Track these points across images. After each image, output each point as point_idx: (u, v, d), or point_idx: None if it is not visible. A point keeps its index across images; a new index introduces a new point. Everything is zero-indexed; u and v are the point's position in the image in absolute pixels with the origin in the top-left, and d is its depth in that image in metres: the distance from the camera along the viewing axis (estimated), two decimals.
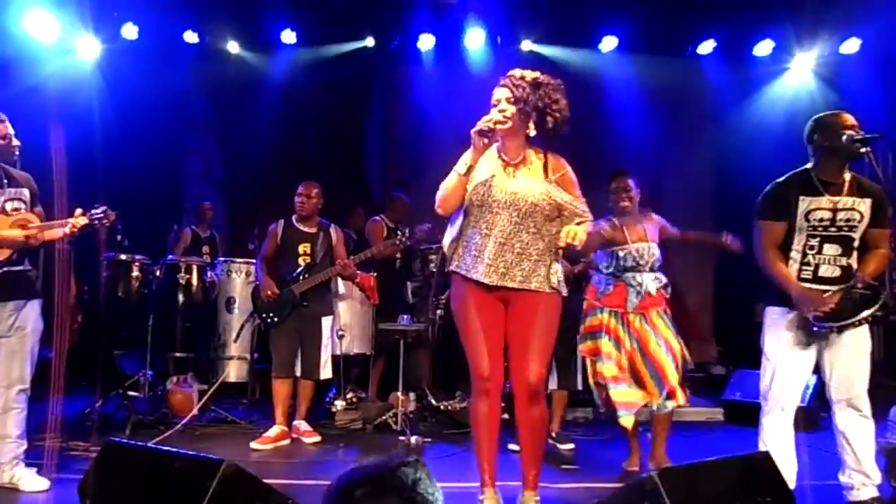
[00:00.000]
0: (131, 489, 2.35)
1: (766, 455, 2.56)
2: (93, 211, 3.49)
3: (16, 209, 3.45)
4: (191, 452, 2.38)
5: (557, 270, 3.03)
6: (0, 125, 3.43)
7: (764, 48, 7.02)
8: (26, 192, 3.52)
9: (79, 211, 3.48)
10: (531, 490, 3.05)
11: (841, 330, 2.94)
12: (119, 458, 2.47)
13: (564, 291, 3.07)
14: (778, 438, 3.08)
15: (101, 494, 2.39)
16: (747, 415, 5.17)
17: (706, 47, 7.10)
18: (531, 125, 2.99)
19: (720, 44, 7.07)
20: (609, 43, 7.09)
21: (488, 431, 3.04)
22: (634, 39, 7.03)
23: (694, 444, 4.88)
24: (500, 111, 2.95)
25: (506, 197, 2.95)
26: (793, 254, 3.09)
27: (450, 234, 3.11)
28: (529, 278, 2.95)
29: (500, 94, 3.00)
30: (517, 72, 3.03)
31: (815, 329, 2.95)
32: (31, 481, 3.41)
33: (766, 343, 3.14)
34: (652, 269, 3.85)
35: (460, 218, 3.06)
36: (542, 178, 2.99)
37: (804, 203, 3.07)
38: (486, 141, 2.92)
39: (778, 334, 3.08)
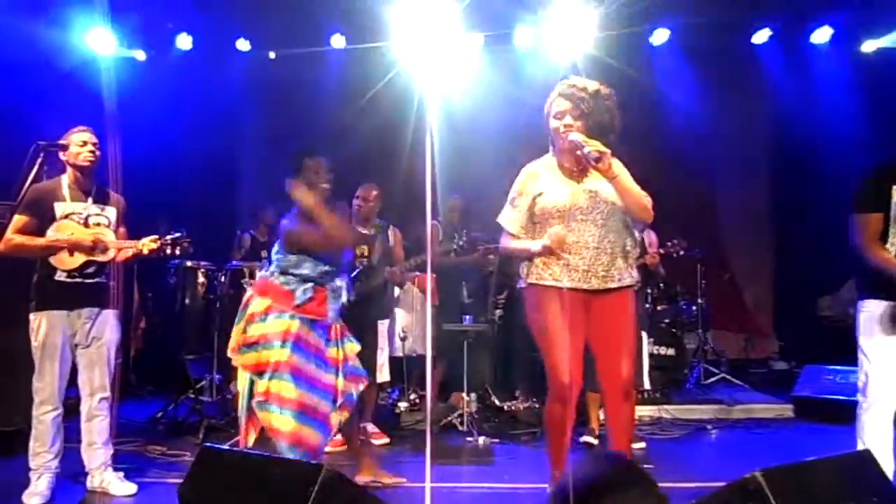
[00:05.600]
0: (231, 494, 2.39)
1: (869, 454, 2.49)
2: (166, 237, 3.54)
3: (97, 224, 3.54)
4: (289, 457, 2.40)
5: (633, 262, 3.09)
6: (83, 135, 3.49)
7: (822, 35, 6.84)
8: (113, 211, 3.62)
9: (154, 237, 3.54)
10: None
11: None
12: (217, 463, 2.50)
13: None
14: (877, 437, 2.98)
15: (202, 500, 2.42)
16: (820, 411, 5.10)
17: (761, 36, 6.94)
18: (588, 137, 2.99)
19: (776, 32, 6.91)
20: (661, 36, 6.98)
21: (562, 434, 3.07)
22: (687, 31, 6.90)
23: (768, 442, 4.80)
24: (566, 126, 2.96)
25: (589, 203, 2.96)
26: (889, 246, 3.00)
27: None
28: (623, 276, 3.00)
29: (563, 105, 2.98)
30: (577, 81, 3.00)
31: None
32: (120, 485, 3.50)
33: (862, 338, 3.05)
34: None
35: (530, 234, 3.09)
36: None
37: None
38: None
39: (875, 328, 3.00)
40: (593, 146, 2.83)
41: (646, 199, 2.98)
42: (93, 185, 3.58)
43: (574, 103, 2.94)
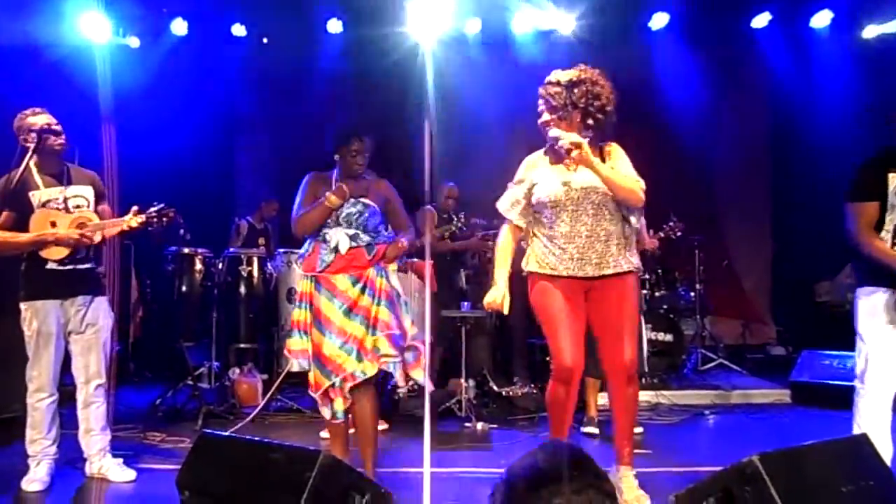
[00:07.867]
0: (230, 480, 2.38)
1: (866, 438, 2.49)
2: (150, 210, 3.49)
3: (77, 206, 3.48)
4: (287, 443, 2.40)
5: (634, 248, 3.16)
6: (46, 117, 3.40)
7: (822, 19, 6.80)
8: (90, 189, 3.55)
9: (134, 209, 3.47)
10: (628, 465, 3.14)
11: None
12: (215, 449, 2.49)
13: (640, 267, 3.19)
14: (874, 422, 2.97)
15: (200, 486, 2.42)
16: (817, 397, 5.11)
17: (761, 20, 6.90)
18: (577, 126, 3.06)
19: (776, 16, 6.86)
20: (660, 20, 6.93)
21: (564, 415, 3.16)
22: (686, 15, 6.86)
23: (766, 427, 4.81)
24: (544, 123, 3.09)
25: (579, 193, 3.04)
26: (883, 234, 2.99)
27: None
28: (619, 262, 3.07)
29: (540, 104, 3.12)
30: (553, 76, 3.11)
31: None
32: (119, 472, 3.51)
33: (860, 325, 3.04)
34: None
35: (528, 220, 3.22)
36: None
37: (894, 179, 2.97)
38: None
39: (873, 315, 2.99)
40: (566, 139, 2.93)
41: (633, 183, 3.02)
42: (63, 166, 3.51)
43: (545, 99, 3.09)
